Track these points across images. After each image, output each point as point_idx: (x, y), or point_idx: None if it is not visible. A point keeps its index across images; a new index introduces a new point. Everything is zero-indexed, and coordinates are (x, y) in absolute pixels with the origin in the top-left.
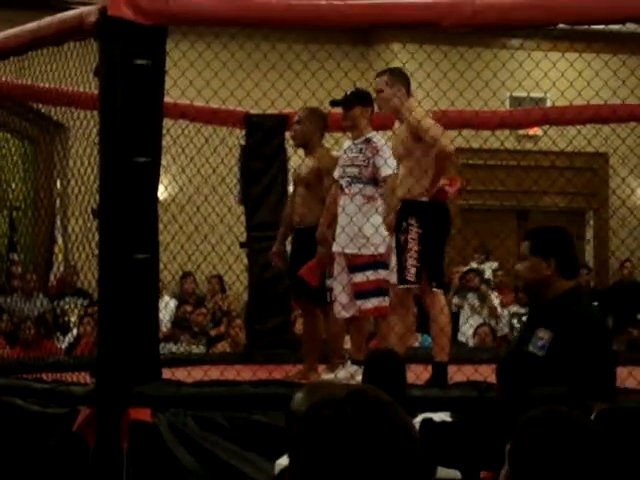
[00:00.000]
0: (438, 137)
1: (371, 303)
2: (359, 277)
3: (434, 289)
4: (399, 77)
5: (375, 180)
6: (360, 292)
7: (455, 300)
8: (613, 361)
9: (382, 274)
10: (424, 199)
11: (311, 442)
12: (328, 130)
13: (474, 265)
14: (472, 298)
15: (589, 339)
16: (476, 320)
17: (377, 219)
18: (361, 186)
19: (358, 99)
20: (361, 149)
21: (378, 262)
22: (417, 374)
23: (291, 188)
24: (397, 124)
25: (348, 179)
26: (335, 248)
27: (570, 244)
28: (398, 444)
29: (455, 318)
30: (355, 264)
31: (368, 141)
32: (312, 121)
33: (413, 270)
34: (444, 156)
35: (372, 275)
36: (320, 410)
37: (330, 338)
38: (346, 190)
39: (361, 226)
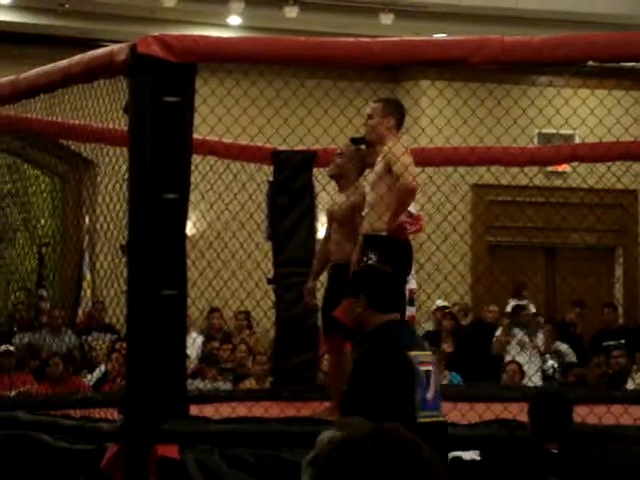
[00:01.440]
0: (401, 172)
1: None
2: None
3: None
4: (393, 109)
5: None
6: None
7: (500, 336)
8: (393, 397)
9: (411, 311)
10: (384, 234)
11: (335, 472)
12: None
13: (515, 302)
14: (520, 334)
15: (360, 374)
16: (524, 357)
17: None
18: None
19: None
20: None
21: (409, 298)
22: (445, 412)
23: (321, 225)
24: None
25: None
26: None
27: (383, 280)
28: None
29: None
30: None
31: None
32: (352, 158)
33: None
34: (405, 191)
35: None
36: (343, 448)
37: (334, 377)
38: None
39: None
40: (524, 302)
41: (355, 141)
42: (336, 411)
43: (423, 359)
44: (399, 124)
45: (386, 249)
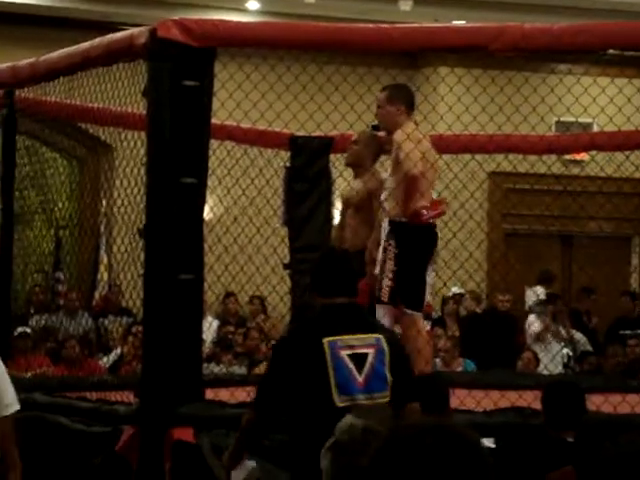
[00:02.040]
0: (402, 159)
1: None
2: None
3: (411, 312)
4: (400, 95)
5: None
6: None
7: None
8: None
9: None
10: (403, 220)
11: (393, 465)
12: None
13: (543, 290)
14: (555, 324)
15: (272, 359)
16: (555, 346)
17: None
18: None
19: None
20: None
21: None
22: (461, 399)
23: (337, 211)
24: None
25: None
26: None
27: (325, 263)
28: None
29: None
30: None
31: None
32: (368, 145)
33: (387, 290)
34: (409, 179)
35: None
36: (399, 443)
37: None
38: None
39: None
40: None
41: (375, 128)
42: None
43: (353, 343)
44: (409, 108)
45: (404, 235)
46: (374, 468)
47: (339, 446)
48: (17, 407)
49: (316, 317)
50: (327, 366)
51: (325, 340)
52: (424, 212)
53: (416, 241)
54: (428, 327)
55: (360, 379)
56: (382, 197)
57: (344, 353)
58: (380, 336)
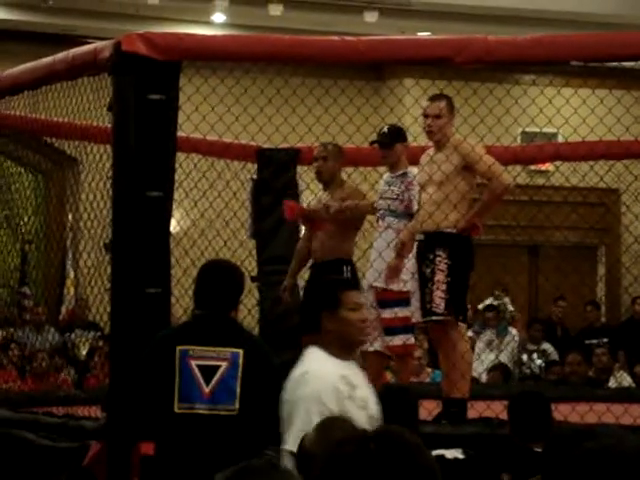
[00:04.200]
0: (500, 172)
1: (400, 340)
2: (387, 313)
3: (460, 323)
4: (453, 106)
5: (409, 214)
6: (388, 328)
7: (470, 335)
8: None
9: (408, 311)
10: (451, 231)
11: (339, 473)
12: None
13: (492, 301)
14: (489, 334)
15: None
16: (489, 356)
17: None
18: (392, 219)
19: (399, 137)
20: (396, 182)
21: (406, 299)
22: (429, 410)
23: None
24: (428, 152)
25: (381, 212)
26: (364, 282)
27: (201, 278)
28: None
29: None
30: (384, 299)
31: (404, 175)
32: (337, 158)
33: (442, 302)
34: (503, 190)
35: (400, 312)
36: (345, 448)
37: None
38: (378, 223)
39: (390, 260)
40: (497, 302)
41: (376, 143)
42: None
43: (207, 355)
44: None
45: (455, 246)
46: (320, 476)
47: (304, 453)
48: None
49: (180, 326)
50: (174, 373)
51: (178, 348)
52: (478, 225)
53: (466, 253)
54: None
55: (206, 389)
56: (396, 207)
57: (194, 363)
58: (239, 351)
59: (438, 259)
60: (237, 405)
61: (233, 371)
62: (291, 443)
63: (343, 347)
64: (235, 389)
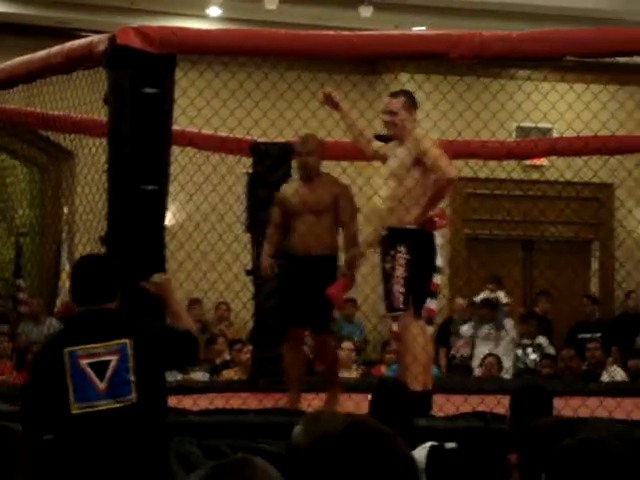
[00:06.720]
0: (440, 163)
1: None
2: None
3: (417, 317)
4: (413, 101)
5: None
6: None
7: (468, 330)
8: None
9: (431, 304)
10: (412, 227)
11: (313, 476)
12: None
13: (487, 294)
14: (487, 327)
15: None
16: (485, 350)
17: None
18: None
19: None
20: None
21: (432, 292)
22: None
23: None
24: (387, 147)
25: None
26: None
27: (77, 273)
28: (399, 475)
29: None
30: None
31: None
32: (321, 152)
33: (401, 297)
34: (446, 183)
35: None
36: (321, 444)
37: (329, 366)
38: None
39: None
40: (493, 295)
41: (380, 138)
42: (298, 402)
43: (95, 351)
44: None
45: (414, 241)
46: (298, 472)
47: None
48: None
49: (65, 327)
50: (66, 375)
51: (65, 350)
52: (437, 220)
53: (427, 248)
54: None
55: (102, 386)
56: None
57: (84, 362)
58: (126, 341)
59: (398, 255)
60: (134, 394)
61: (124, 362)
62: None
63: None
64: (129, 379)
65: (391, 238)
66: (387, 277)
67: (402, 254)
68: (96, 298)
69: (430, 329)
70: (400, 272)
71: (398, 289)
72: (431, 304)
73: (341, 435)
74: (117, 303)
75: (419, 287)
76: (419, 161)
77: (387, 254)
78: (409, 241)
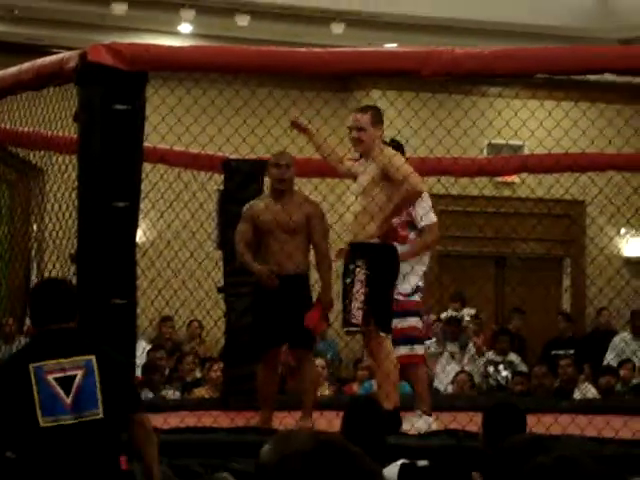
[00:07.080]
0: (408, 175)
1: (402, 351)
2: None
3: (381, 334)
4: (380, 117)
5: (414, 227)
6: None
7: (433, 348)
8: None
9: (412, 321)
10: (374, 241)
11: None
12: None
13: (452, 313)
14: (451, 346)
15: None
16: (454, 368)
17: (405, 267)
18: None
19: (397, 149)
20: None
21: (407, 310)
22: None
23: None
24: (355, 164)
25: None
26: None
27: (36, 296)
28: None
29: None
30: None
31: None
32: (294, 168)
33: (359, 313)
34: (412, 194)
35: (399, 323)
36: (289, 462)
37: (307, 385)
38: None
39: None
40: (457, 313)
41: (394, 143)
42: (270, 421)
43: (61, 367)
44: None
45: (375, 256)
46: None
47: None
48: None
49: (27, 345)
50: (32, 390)
51: (31, 366)
52: (400, 230)
53: (387, 261)
54: (427, 347)
55: (68, 400)
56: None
57: (51, 377)
58: (91, 357)
59: (357, 269)
60: (101, 408)
61: (90, 377)
62: None
63: None
64: (96, 393)
65: (351, 253)
66: (345, 292)
67: (361, 269)
68: (56, 318)
69: (420, 348)
70: (359, 288)
71: (356, 305)
72: (415, 322)
73: (309, 453)
74: (75, 324)
75: (380, 303)
76: (387, 177)
77: (347, 269)
78: (369, 256)
